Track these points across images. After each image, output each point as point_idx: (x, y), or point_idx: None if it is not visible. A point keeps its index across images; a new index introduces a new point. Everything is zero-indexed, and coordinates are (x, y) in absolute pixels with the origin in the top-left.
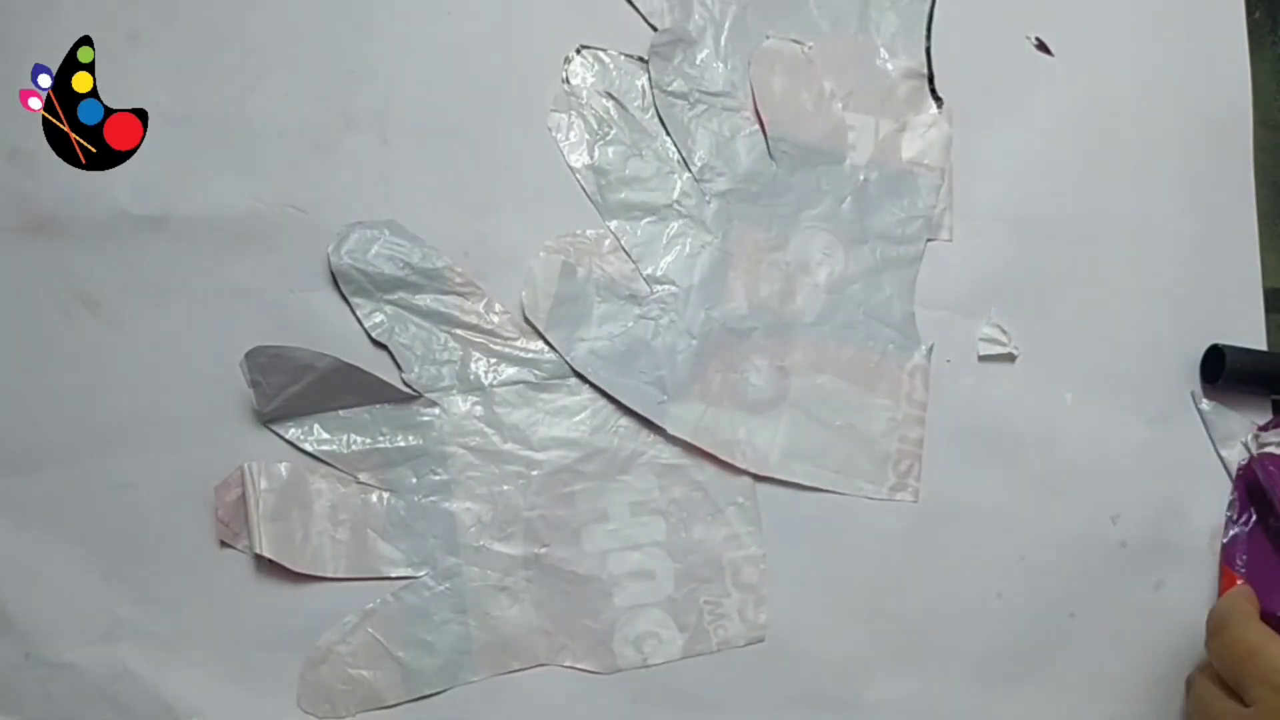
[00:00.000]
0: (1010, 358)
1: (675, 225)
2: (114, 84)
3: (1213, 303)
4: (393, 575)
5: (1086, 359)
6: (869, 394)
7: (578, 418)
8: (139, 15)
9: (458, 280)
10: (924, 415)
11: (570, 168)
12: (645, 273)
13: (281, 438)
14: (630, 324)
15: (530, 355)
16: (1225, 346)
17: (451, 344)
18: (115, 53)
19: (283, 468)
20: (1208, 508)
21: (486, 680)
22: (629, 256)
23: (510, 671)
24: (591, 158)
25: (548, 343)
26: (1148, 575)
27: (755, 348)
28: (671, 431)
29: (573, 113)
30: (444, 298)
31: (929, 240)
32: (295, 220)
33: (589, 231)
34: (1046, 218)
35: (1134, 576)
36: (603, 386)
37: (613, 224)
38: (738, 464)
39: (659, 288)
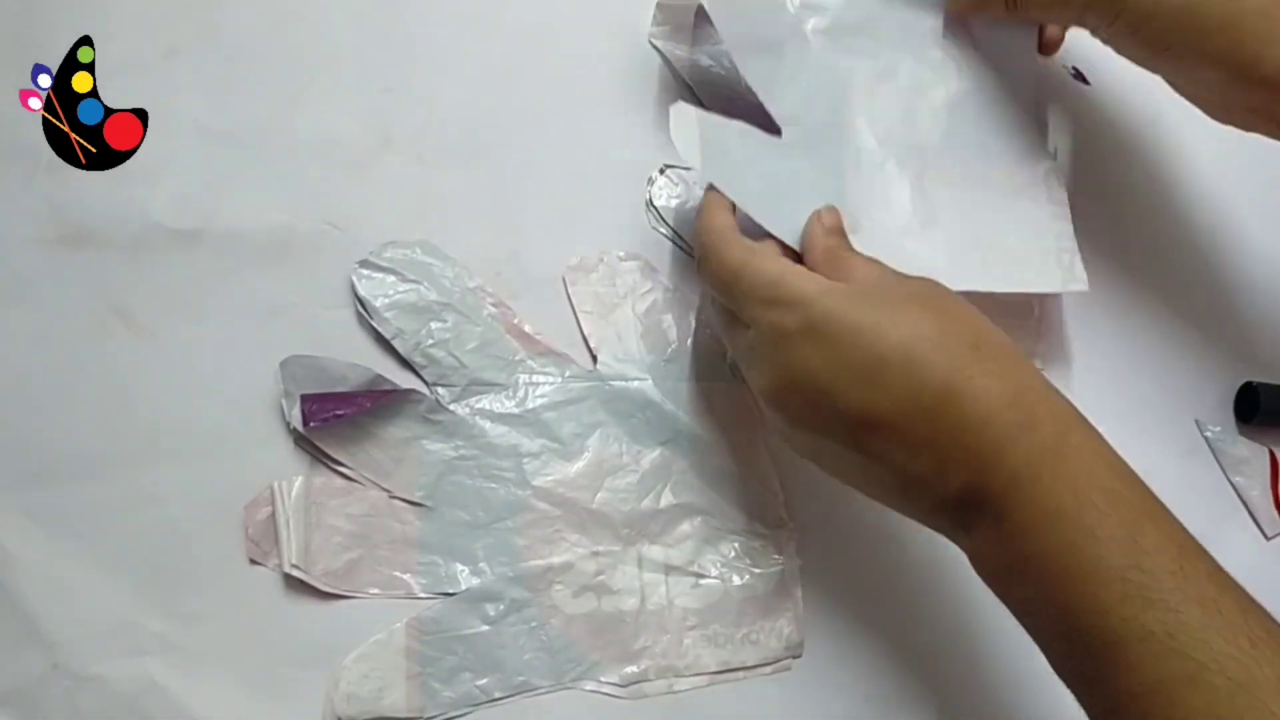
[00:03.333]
0: None
1: (789, 62)
2: (153, 97)
3: (1249, 337)
4: (421, 595)
5: (1119, 392)
6: (1014, 200)
7: (611, 434)
8: (180, 30)
9: (489, 300)
10: (1067, 210)
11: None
12: (773, 111)
13: (313, 452)
14: (774, 164)
15: (562, 375)
16: (1260, 384)
17: (484, 363)
18: (155, 67)
19: (313, 484)
20: (1238, 542)
21: (511, 701)
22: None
23: (536, 693)
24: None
25: (593, 357)
26: None
27: (892, 178)
28: None
29: None
30: (476, 317)
31: None
32: (330, 237)
33: (618, 252)
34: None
35: None
36: (767, 227)
37: (735, 57)
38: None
39: (788, 129)
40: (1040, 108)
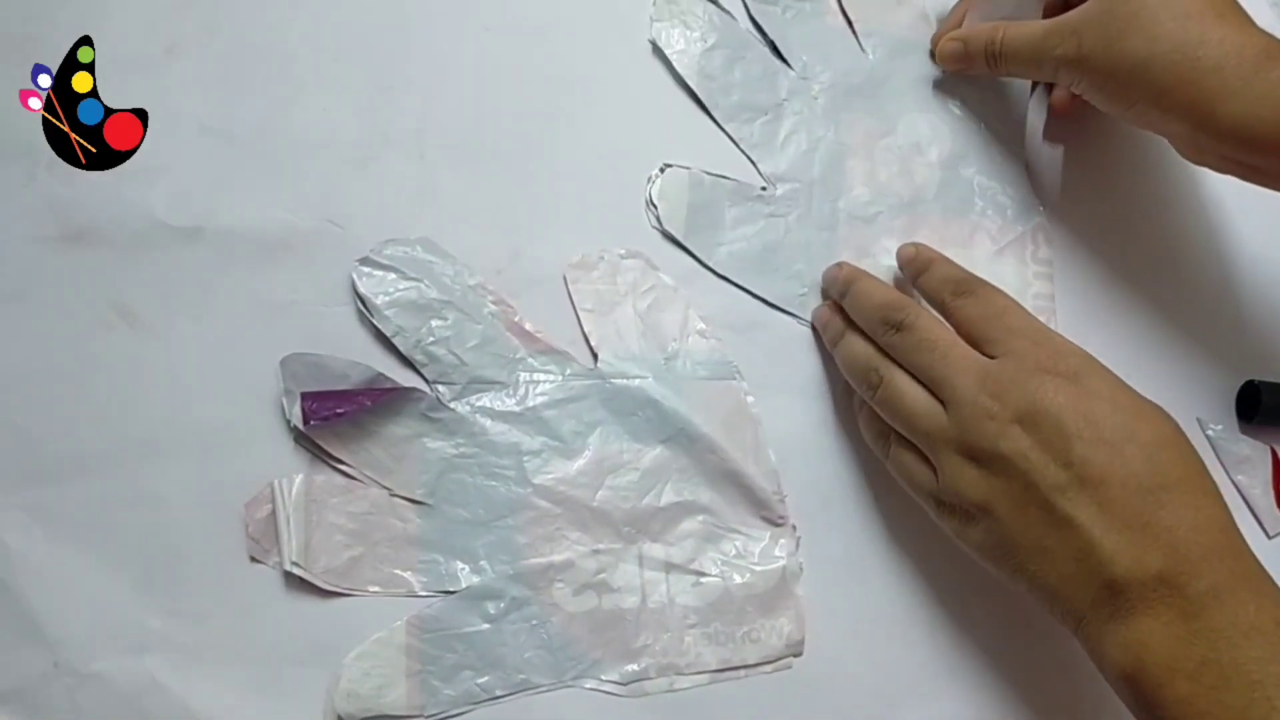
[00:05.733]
0: None
1: (789, 123)
2: (153, 97)
3: (1250, 335)
4: (422, 593)
5: None
6: (998, 259)
7: (612, 432)
8: (180, 27)
9: (490, 298)
10: (1051, 271)
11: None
12: (766, 171)
13: (314, 450)
14: (762, 224)
15: (562, 373)
16: (1261, 383)
17: (484, 361)
18: (155, 64)
19: (313, 482)
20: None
21: (511, 699)
22: (748, 157)
23: (536, 691)
24: (699, 64)
25: (593, 355)
26: None
27: (884, 230)
28: (814, 321)
29: (676, 19)
30: (477, 315)
31: None
32: (331, 235)
33: (619, 250)
34: (1078, 247)
35: None
36: (747, 286)
37: (729, 126)
38: None
39: (783, 185)
40: (1034, 159)
